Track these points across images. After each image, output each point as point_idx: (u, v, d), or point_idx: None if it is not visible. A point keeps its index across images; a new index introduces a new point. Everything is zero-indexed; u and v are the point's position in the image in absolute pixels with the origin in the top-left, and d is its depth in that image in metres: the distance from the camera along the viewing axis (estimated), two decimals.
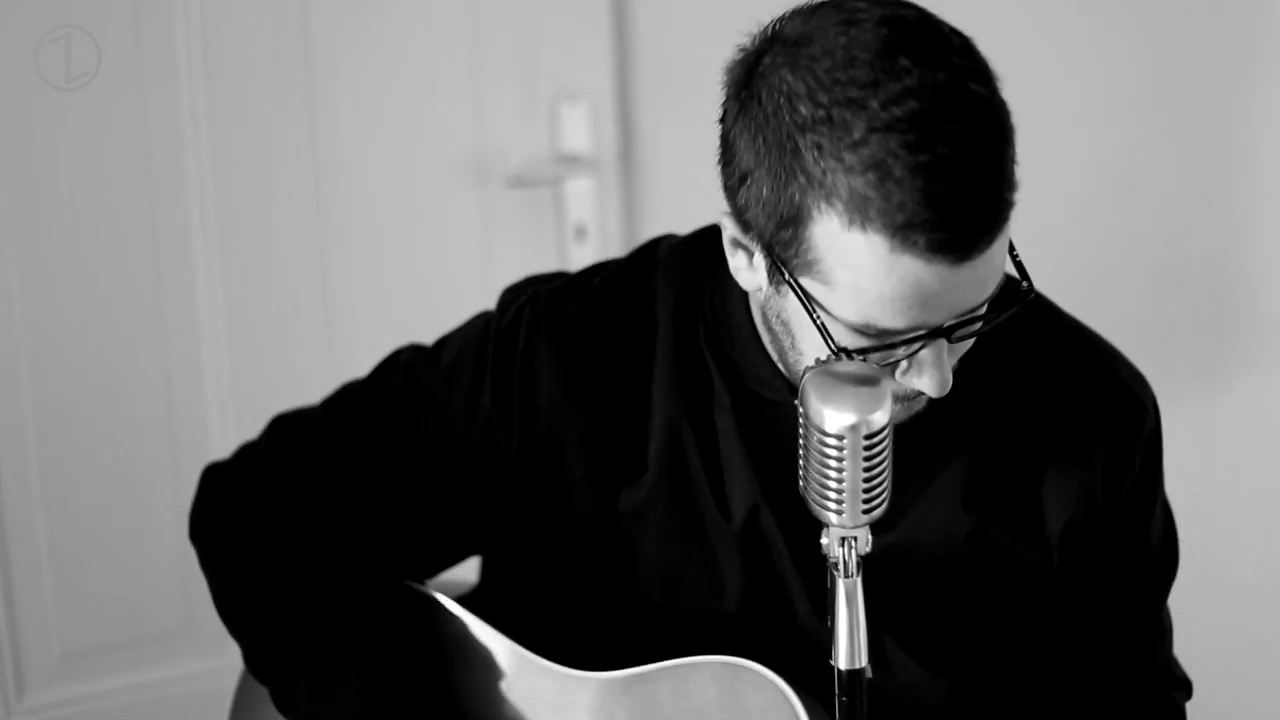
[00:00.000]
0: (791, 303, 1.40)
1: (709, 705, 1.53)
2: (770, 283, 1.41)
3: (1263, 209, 2.96)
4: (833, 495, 1.32)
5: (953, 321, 1.36)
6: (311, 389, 1.78)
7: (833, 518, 1.33)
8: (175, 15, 2.50)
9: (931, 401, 1.44)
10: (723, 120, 1.40)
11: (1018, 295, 1.40)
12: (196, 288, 2.57)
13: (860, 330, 1.36)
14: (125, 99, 2.49)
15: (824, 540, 1.36)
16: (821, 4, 1.37)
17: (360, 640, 1.61)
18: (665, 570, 1.57)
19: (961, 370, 1.42)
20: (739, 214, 1.39)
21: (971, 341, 1.42)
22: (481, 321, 1.63)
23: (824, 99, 1.31)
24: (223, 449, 1.75)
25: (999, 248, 1.35)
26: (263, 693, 1.65)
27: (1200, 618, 2.88)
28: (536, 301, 1.58)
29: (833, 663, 1.36)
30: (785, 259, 1.37)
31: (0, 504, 2.52)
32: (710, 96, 1.43)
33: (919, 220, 1.30)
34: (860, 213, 1.31)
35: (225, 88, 2.54)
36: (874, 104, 1.30)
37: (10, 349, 2.50)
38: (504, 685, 1.63)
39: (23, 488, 2.53)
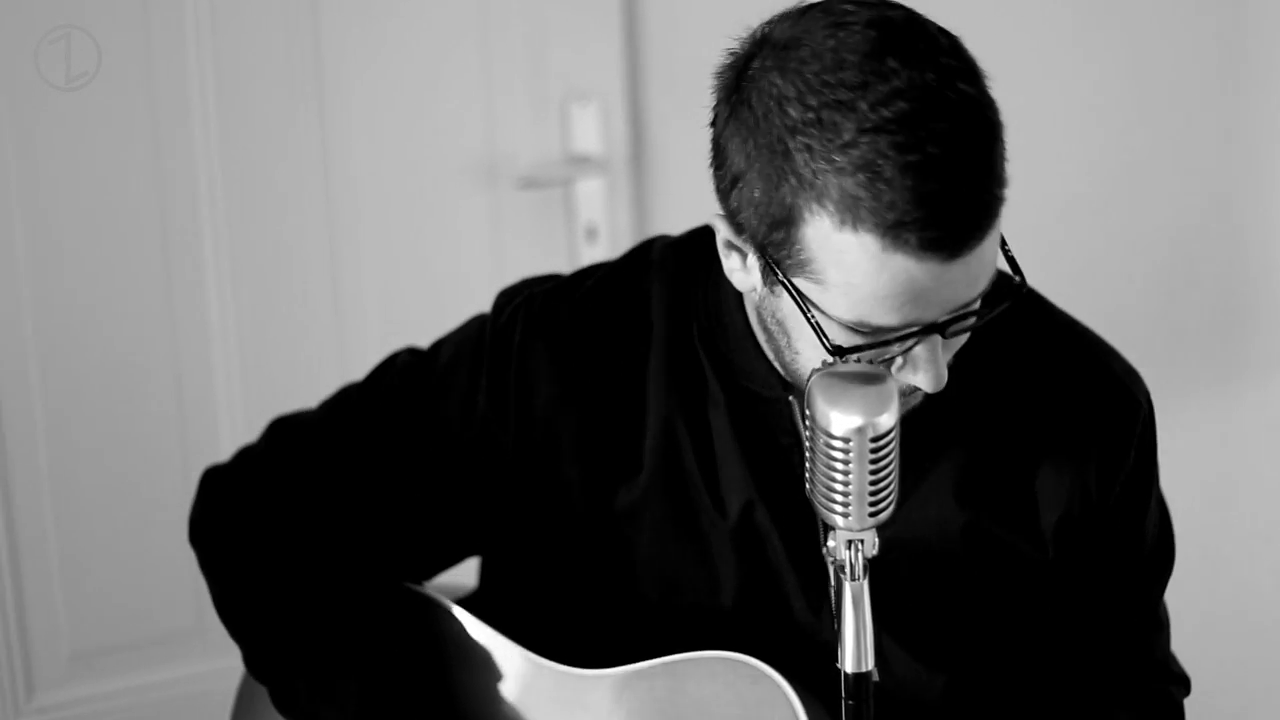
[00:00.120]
0: (786, 303, 1.40)
1: (706, 700, 1.53)
2: (764, 283, 1.42)
3: (1277, 207, 2.95)
4: (839, 498, 1.33)
5: (946, 317, 1.37)
6: (321, 390, 1.79)
7: (839, 520, 1.34)
8: (185, 14, 2.50)
9: (926, 396, 1.44)
10: (713, 124, 1.41)
11: (1011, 290, 1.40)
12: (206, 288, 2.58)
13: (854, 328, 1.36)
14: (136, 99, 2.50)
15: (830, 543, 1.36)
16: (809, 6, 1.38)
17: (359, 641, 1.62)
18: (661, 567, 1.58)
19: (955, 365, 1.43)
20: (731, 216, 1.40)
21: (966, 337, 1.43)
22: (477, 323, 1.64)
23: (813, 101, 1.32)
24: (232, 450, 1.76)
25: (990, 244, 1.35)
26: (264, 692, 1.66)
27: (1217, 618, 2.88)
28: (531, 303, 1.59)
29: (839, 666, 1.37)
30: (778, 260, 1.37)
31: (10, 504, 2.53)
32: None
33: (910, 219, 1.30)
34: (851, 213, 1.31)
35: (235, 89, 2.54)
36: (863, 105, 1.31)
37: (20, 350, 2.51)
38: (503, 685, 1.64)
39: (33, 487, 2.53)
